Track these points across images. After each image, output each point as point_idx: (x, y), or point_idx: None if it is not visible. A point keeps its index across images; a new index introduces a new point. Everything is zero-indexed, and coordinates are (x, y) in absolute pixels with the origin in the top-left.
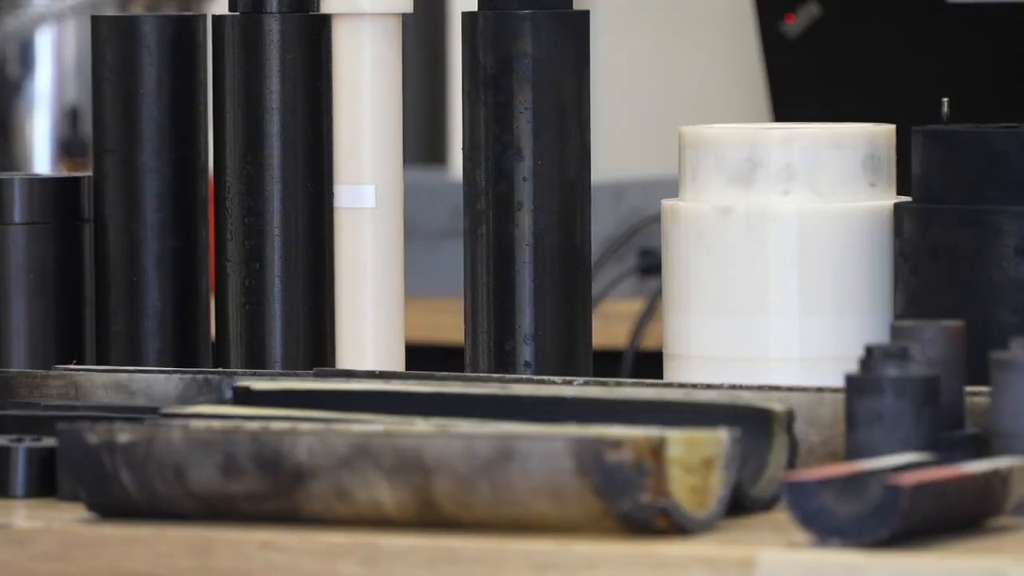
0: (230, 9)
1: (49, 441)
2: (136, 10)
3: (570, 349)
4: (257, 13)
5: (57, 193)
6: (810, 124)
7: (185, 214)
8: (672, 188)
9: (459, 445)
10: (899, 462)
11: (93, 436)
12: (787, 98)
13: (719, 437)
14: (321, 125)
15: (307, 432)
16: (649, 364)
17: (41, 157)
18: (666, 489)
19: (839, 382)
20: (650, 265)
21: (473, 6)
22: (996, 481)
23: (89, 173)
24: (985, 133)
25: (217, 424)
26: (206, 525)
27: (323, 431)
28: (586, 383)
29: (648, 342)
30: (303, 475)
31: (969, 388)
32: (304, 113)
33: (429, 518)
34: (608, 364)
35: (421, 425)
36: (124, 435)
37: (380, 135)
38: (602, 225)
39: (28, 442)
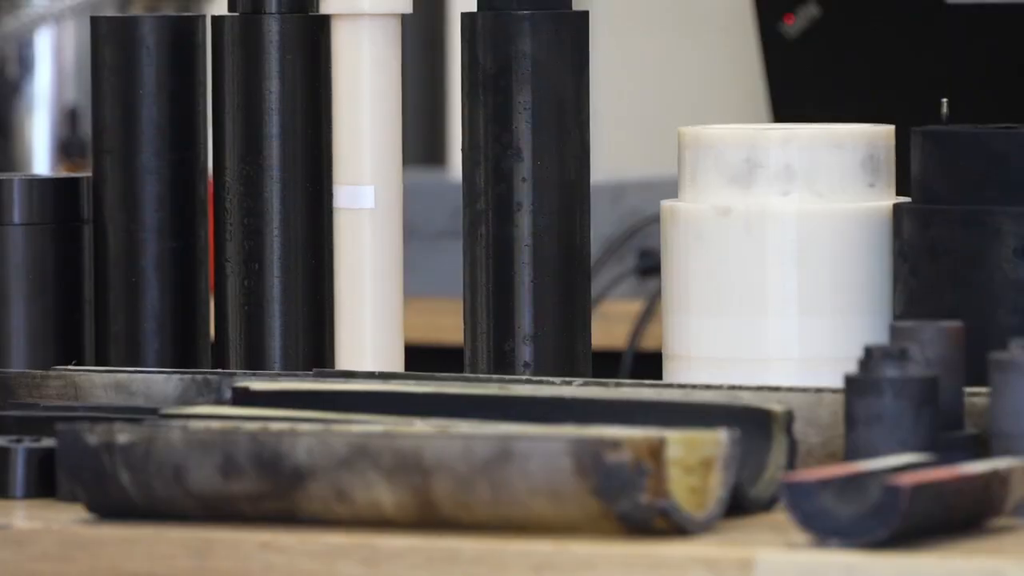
0: (229, 10)
1: (48, 442)
2: (135, 11)
3: (569, 349)
4: (256, 14)
5: (56, 194)
6: (809, 125)
7: (184, 215)
8: (672, 189)
9: (458, 446)
10: (898, 463)
11: (92, 437)
12: (786, 98)
13: (718, 438)
14: (320, 126)
15: (306, 433)
16: (648, 365)
17: (40, 158)
18: (665, 490)
19: (838, 383)
20: (649, 266)
21: (472, 6)
22: (995, 482)
23: (88, 174)
24: (984, 134)
25: (216, 425)
26: (205, 526)
27: (322, 432)
28: (585, 383)
29: (647, 343)
30: (302, 476)
31: (968, 389)
32: (303, 114)
33: (428, 519)
34: (607, 365)
35: (420, 426)
36: (123, 436)
37: (379, 136)
38: (601, 226)
39: (27, 443)
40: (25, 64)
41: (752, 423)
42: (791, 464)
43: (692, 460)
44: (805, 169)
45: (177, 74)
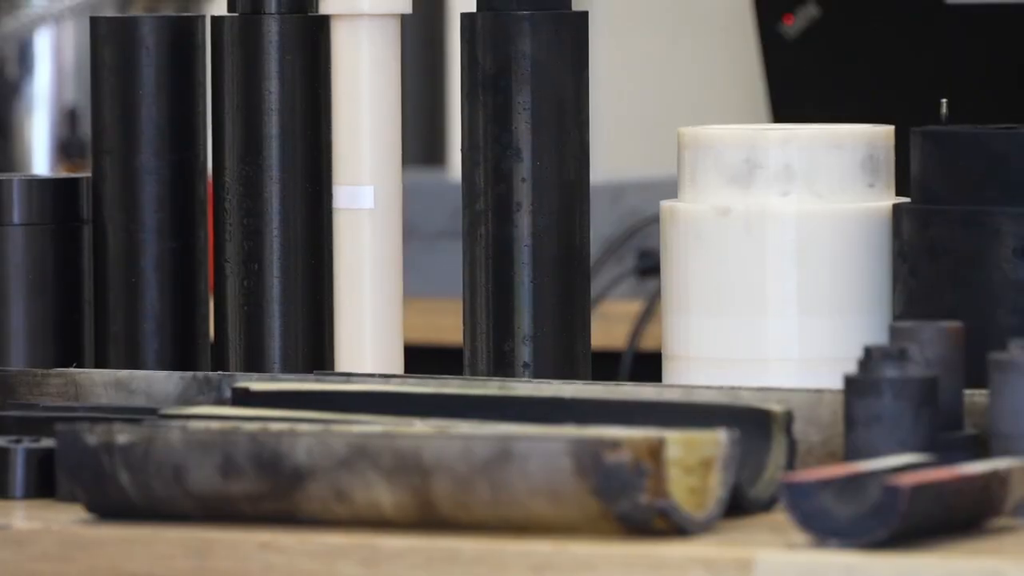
0: (229, 10)
1: (48, 442)
2: (135, 11)
3: (569, 350)
4: (256, 14)
5: (56, 194)
6: (809, 125)
7: (184, 215)
8: (671, 189)
9: (458, 446)
10: (898, 463)
11: (92, 437)
12: (786, 99)
13: (718, 438)
14: (320, 126)
15: (306, 433)
16: (648, 365)
17: (40, 158)
18: (665, 490)
19: (838, 383)
20: (649, 266)
21: (472, 7)
22: (995, 482)
23: (88, 174)
24: (984, 134)
25: (216, 425)
26: (205, 526)
27: (322, 432)
28: (585, 384)
29: (647, 343)
30: (302, 476)
31: (968, 389)
32: (303, 114)
33: (428, 519)
34: (607, 365)
35: (420, 426)
36: (123, 436)
37: (379, 136)
38: (601, 226)
39: (27, 443)
40: (25, 64)
41: (752, 423)
42: (791, 464)
43: (692, 460)
44: (805, 169)
45: (177, 74)
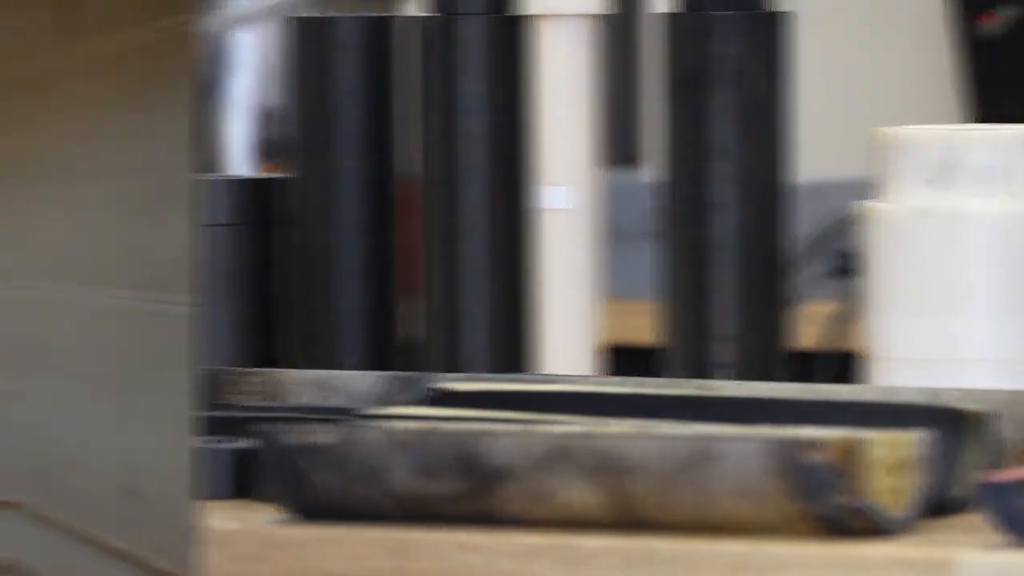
0: (426, 11)
1: (247, 442)
2: (335, 11)
3: (767, 350)
4: (453, 14)
5: (255, 194)
6: (1009, 125)
7: (381, 215)
8: (869, 189)
9: (657, 446)
10: None
11: (291, 437)
12: (985, 98)
13: (917, 438)
14: (518, 126)
15: (505, 433)
16: (845, 366)
17: (238, 158)
18: (863, 490)
19: None
20: (846, 266)
21: (667, 8)
22: None
23: (286, 174)
24: None
25: (414, 425)
26: (402, 526)
27: (521, 432)
28: (783, 384)
29: (844, 344)
30: (500, 476)
31: None
32: (501, 114)
33: (626, 519)
34: (804, 365)
35: (619, 426)
36: (321, 436)
37: (576, 136)
38: (800, 226)
39: (226, 443)
40: (224, 65)
41: (950, 423)
42: (990, 464)
43: (891, 460)
44: (1004, 170)
45: (374, 74)
